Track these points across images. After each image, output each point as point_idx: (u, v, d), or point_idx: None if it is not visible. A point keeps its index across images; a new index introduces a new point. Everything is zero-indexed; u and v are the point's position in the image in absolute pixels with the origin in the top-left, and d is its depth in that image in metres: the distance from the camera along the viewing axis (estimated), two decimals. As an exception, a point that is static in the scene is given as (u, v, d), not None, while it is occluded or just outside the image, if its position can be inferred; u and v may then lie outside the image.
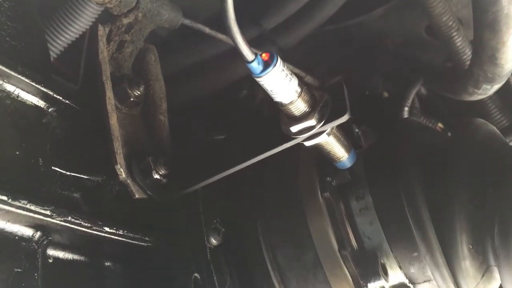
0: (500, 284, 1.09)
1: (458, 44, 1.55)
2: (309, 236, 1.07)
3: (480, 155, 1.07)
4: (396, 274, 1.10)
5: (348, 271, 1.07)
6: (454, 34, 1.53)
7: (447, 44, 1.56)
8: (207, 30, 1.40)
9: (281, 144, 1.01)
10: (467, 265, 1.03)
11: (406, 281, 1.10)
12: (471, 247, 1.02)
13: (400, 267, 1.09)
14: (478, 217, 1.02)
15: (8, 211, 0.83)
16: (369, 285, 1.06)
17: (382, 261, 1.09)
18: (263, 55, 0.88)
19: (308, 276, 1.07)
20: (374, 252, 1.09)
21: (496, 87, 1.45)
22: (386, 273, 1.08)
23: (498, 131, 1.18)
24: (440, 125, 1.90)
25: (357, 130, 1.26)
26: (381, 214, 1.09)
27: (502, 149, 1.10)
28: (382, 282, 1.06)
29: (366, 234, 1.10)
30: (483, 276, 1.05)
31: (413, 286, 1.11)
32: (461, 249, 1.03)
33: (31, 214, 0.86)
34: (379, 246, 1.09)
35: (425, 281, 1.08)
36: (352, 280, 1.07)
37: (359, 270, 1.06)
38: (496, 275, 1.05)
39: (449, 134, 1.85)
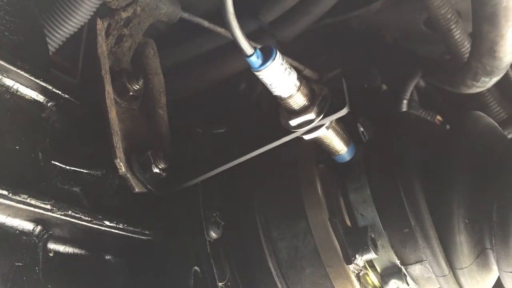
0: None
1: (456, 36, 1.55)
2: (308, 229, 1.08)
3: (478, 147, 1.07)
4: (387, 254, 1.11)
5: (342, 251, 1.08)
6: (453, 26, 1.53)
7: (446, 37, 1.56)
8: (206, 23, 1.40)
9: (280, 137, 1.01)
10: (462, 240, 1.03)
11: (398, 262, 1.11)
12: (467, 221, 1.02)
13: (391, 246, 1.09)
14: (476, 200, 1.02)
15: (8, 206, 0.83)
16: (357, 256, 1.06)
17: (373, 235, 1.09)
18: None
19: (306, 267, 1.08)
20: (365, 227, 1.10)
21: (495, 80, 1.45)
22: (375, 246, 1.09)
23: (496, 124, 1.19)
24: (438, 118, 1.91)
25: (362, 129, 1.27)
26: (375, 193, 1.10)
27: (500, 142, 1.10)
28: (371, 254, 1.06)
29: (359, 211, 1.11)
30: (477, 257, 1.04)
31: (405, 268, 1.11)
32: (457, 222, 1.02)
33: (32, 208, 0.86)
34: (372, 223, 1.10)
35: (417, 262, 1.09)
36: (341, 251, 1.07)
37: (348, 240, 1.07)
38: (493, 266, 1.06)
39: (448, 127, 1.85)
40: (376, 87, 1.88)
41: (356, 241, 1.07)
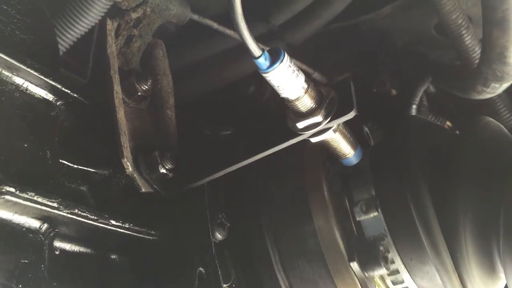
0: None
1: (467, 42, 1.54)
2: (313, 231, 1.07)
3: (487, 153, 1.07)
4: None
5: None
6: (464, 32, 1.52)
7: (456, 42, 1.55)
8: (215, 25, 1.41)
9: (287, 140, 1.01)
10: (468, 248, 1.02)
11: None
12: (473, 226, 1.01)
13: (400, 258, 1.09)
14: (482, 205, 1.01)
15: (15, 203, 0.83)
16: (368, 271, 1.07)
17: (382, 249, 1.09)
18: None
19: (311, 271, 1.08)
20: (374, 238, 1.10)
21: (505, 86, 1.44)
22: (386, 262, 1.08)
23: (506, 130, 1.18)
24: (448, 123, 1.90)
25: (366, 129, 1.26)
26: (381, 197, 1.10)
27: (509, 148, 1.09)
28: (382, 270, 1.07)
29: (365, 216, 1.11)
30: (483, 262, 1.03)
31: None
32: (463, 228, 1.02)
33: (38, 206, 0.86)
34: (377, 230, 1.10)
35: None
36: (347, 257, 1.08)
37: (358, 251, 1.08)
38: (500, 274, 1.05)
39: (457, 132, 1.84)
40: (386, 91, 1.87)
41: (368, 260, 1.07)
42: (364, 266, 1.07)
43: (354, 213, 1.11)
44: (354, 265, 1.07)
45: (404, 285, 1.12)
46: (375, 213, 1.09)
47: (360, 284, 1.08)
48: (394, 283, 1.13)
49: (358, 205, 1.11)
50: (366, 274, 1.07)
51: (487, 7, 1.19)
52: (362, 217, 1.11)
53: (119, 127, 1.03)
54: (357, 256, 1.06)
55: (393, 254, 1.09)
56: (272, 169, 1.18)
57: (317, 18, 1.60)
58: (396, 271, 1.11)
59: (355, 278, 1.07)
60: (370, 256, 1.07)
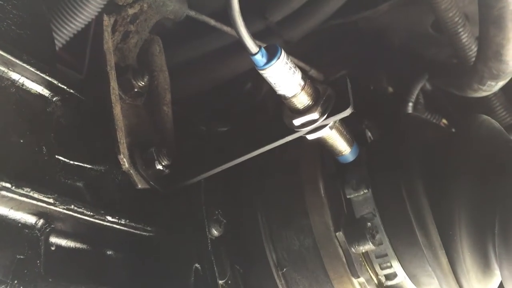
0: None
1: (463, 40, 1.54)
2: (310, 230, 1.08)
3: (482, 151, 1.07)
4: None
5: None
6: (460, 30, 1.52)
7: (453, 40, 1.55)
8: (212, 22, 1.41)
9: (284, 137, 1.01)
10: (464, 248, 1.03)
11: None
12: (469, 227, 1.01)
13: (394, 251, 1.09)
14: (478, 206, 1.01)
15: (11, 198, 0.83)
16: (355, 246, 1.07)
17: (370, 225, 1.09)
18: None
19: (308, 266, 1.08)
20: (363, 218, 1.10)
21: (501, 84, 1.45)
22: (373, 237, 1.08)
23: (502, 128, 1.18)
24: (444, 121, 1.90)
25: (369, 134, 1.27)
26: (377, 195, 1.09)
27: (505, 146, 1.09)
28: (368, 246, 1.07)
29: (360, 213, 1.10)
30: (480, 262, 1.04)
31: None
32: (459, 229, 1.02)
33: (34, 202, 0.86)
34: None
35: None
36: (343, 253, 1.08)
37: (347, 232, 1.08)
38: (496, 271, 1.05)
39: (453, 130, 1.85)
40: (382, 89, 1.88)
41: (353, 232, 1.07)
42: (350, 238, 1.07)
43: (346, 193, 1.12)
44: (340, 235, 1.07)
45: (392, 270, 1.12)
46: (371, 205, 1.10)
47: (345, 257, 1.08)
48: (382, 267, 1.12)
49: (350, 184, 1.11)
50: (353, 249, 1.07)
51: (484, 5, 1.20)
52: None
53: (115, 123, 1.03)
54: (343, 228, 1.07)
55: (381, 235, 1.09)
56: (269, 166, 1.18)
57: (314, 15, 1.60)
58: (384, 254, 1.11)
59: (349, 272, 1.07)
60: (356, 229, 1.07)
